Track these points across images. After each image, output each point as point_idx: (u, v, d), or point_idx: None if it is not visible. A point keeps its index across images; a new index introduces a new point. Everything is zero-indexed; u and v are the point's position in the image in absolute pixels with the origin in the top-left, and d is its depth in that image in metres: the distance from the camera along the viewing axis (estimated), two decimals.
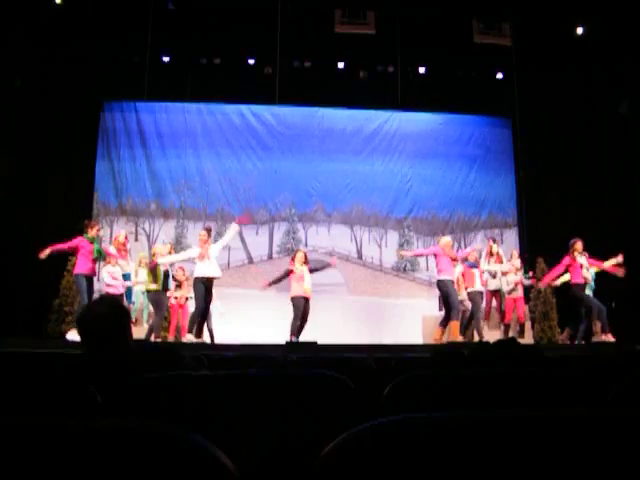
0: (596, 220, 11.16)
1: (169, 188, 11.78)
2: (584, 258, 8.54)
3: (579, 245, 8.54)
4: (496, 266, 9.24)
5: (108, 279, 8.63)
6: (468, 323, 8.89)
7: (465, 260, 9.06)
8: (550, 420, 0.84)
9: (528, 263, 10.27)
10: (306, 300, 8.28)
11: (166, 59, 11.39)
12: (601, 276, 9.04)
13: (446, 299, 8.34)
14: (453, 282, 8.41)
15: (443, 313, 9.75)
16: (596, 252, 8.96)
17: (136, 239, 11.17)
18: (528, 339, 9.39)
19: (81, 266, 8.04)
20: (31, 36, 10.11)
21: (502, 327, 9.35)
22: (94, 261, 8.15)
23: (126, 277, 8.90)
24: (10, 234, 9.96)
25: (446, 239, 8.74)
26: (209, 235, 8.33)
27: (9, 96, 10.16)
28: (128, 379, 1.55)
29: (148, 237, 11.54)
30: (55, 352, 4.44)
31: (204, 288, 7.85)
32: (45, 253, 7.90)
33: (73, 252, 8.32)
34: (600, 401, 1.57)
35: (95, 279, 8.38)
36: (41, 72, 10.54)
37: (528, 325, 9.85)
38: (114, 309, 2.29)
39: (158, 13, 10.31)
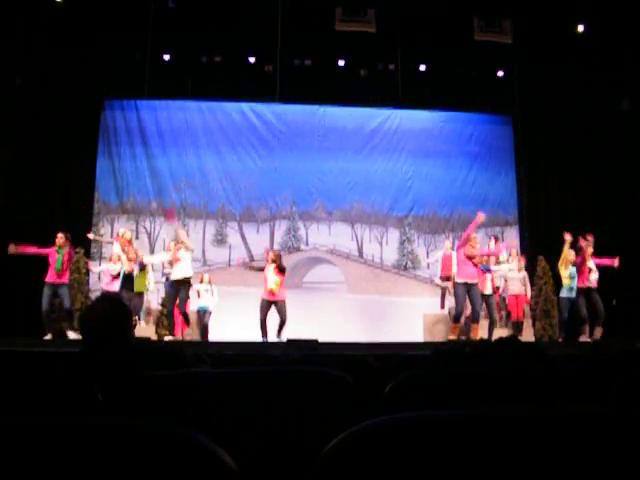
0: (597, 218, 11.16)
1: (170, 186, 11.78)
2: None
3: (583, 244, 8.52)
4: (502, 267, 9.28)
5: (107, 277, 8.64)
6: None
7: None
8: (551, 418, 0.84)
9: (528, 261, 10.26)
10: (269, 302, 8.25)
11: (167, 57, 11.37)
12: (602, 274, 9.02)
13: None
14: (463, 285, 8.09)
15: (445, 311, 9.77)
16: (596, 249, 8.95)
17: (137, 237, 11.17)
18: (527, 337, 9.39)
19: (47, 275, 8.31)
20: (31, 34, 10.10)
21: (510, 325, 9.37)
22: (55, 270, 8.30)
23: None
24: (11, 232, 9.96)
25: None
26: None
27: (10, 95, 10.15)
28: (129, 378, 1.55)
29: (149, 235, 11.55)
30: (55, 351, 4.45)
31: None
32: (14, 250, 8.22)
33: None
34: (601, 399, 1.57)
35: (96, 278, 8.43)
36: (41, 70, 10.53)
37: (528, 323, 9.86)
38: (116, 307, 2.29)
39: (158, 11, 10.30)
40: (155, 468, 0.78)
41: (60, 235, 8.36)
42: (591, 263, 8.46)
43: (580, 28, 10.86)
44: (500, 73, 11.88)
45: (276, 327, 8.25)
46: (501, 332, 8.99)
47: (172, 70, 11.38)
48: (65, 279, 8.45)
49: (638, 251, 10.30)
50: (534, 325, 10.24)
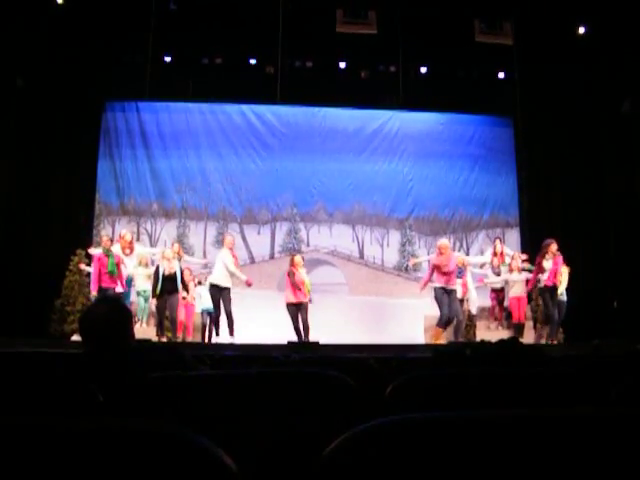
0: (598, 220, 11.15)
1: (171, 188, 11.78)
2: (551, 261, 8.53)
3: (553, 247, 8.57)
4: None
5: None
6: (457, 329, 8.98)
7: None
8: (551, 420, 0.84)
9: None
10: (298, 305, 8.50)
11: (168, 59, 11.38)
12: (603, 276, 9.01)
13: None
14: (441, 289, 8.50)
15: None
16: (597, 252, 8.95)
17: (138, 239, 11.16)
18: (528, 339, 9.38)
19: (93, 282, 8.24)
20: (33, 36, 10.11)
21: (512, 327, 9.38)
22: (109, 274, 8.17)
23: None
24: (12, 234, 9.97)
25: (440, 241, 8.86)
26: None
27: (11, 96, 10.16)
28: (129, 379, 1.55)
29: (150, 237, 11.55)
30: (57, 352, 4.45)
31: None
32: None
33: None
34: (602, 401, 1.57)
35: None
36: (43, 72, 10.54)
37: (529, 325, 9.84)
38: (115, 309, 2.29)
39: (160, 13, 10.31)
40: (155, 470, 0.78)
41: (105, 238, 8.44)
42: (547, 264, 8.57)
43: (581, 30, 10.86)
44: (501, 75, 11.87)
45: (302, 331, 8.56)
46: (502, 334, 8.98)
47: (173, 72, 11.39)
48: (121, 284, 8.30)
49: (639, 253, 10.29)
50: (535, 327, 10.23)
